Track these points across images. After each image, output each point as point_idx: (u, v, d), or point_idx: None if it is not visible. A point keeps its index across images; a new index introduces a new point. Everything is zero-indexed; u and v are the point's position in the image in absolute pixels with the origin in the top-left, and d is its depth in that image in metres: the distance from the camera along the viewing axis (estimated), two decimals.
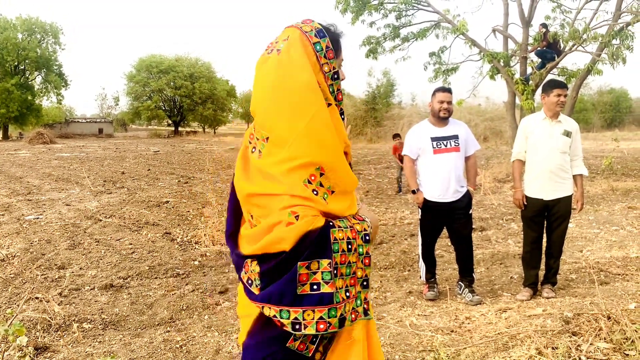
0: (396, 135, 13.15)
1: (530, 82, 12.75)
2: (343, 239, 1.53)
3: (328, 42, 1.59)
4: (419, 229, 4.91)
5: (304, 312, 1.46)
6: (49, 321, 4.06)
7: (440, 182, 4.64)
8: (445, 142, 4.68)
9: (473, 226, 7.08)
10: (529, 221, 4.74)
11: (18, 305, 4.32)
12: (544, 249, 4.82)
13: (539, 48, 12.51)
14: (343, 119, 1.66)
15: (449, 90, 4.75)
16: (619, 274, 5.21)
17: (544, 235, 4.78)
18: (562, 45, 12.39)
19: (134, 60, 52.77)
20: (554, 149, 4.59)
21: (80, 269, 5.65)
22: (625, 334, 3.24)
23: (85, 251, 6.36)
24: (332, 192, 1.55)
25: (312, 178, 1.51)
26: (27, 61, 45.72)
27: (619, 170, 14.65)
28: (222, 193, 9.53)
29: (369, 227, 1.63)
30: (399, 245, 6.77)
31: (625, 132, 38.44)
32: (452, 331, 3.81)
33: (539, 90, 12.56)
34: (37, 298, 4.61)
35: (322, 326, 1.47)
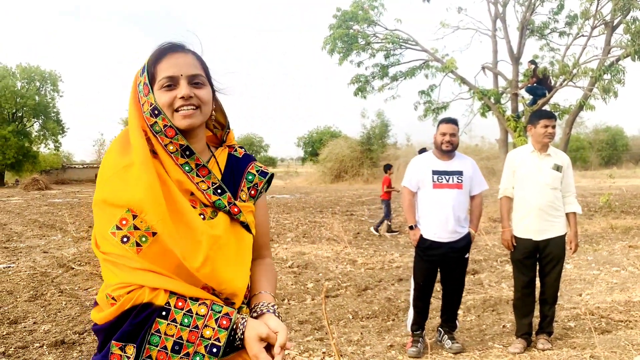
0: (388, 167, 12.31)
1: (522, 118, 12.52)
2: (172, 336, 1.25)
3: (145, 77, 1.37)
4: (412, 272, 4.47)
5: None
6: None
7: (438, 219, 4.23)
8: (447, 177, 4.28)
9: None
10: (518, 264, 4.32)
11: None
12: (538, 294, 4.39)
13: (529, 85, 12.34)
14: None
15: (454, 122, 4.38)
16: (622, 321, 4.76)
17: (537, 279, 4.36)
18: (552, 81, 12.22)
19: None
20: (543, 184, 4.22)
21: (35, 323, 5.18)
22: None
23: (45, 303, 5.89)
24: (154, 233, 1.27)
25: (123, 223, 1.28)
26: (25, 108, 45.96)
27: (617, 207, 14.25)
28: None
29: (237, 337, 1.28)
30: (385, 291, 6.30)
31: (623, 170, 38.17)
32: None
33: None
34: None
35: None
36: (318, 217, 13.89)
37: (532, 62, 12.64)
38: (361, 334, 4.83)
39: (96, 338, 4.29)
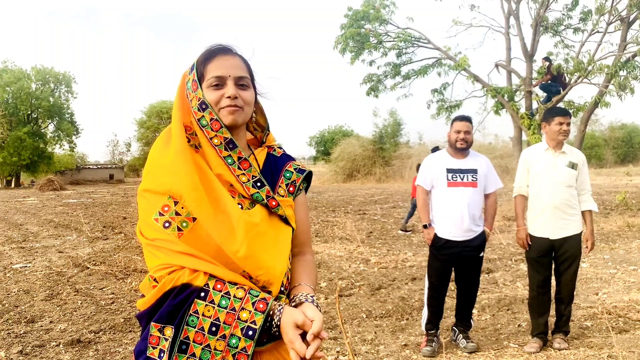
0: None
1: (536, 116, 12.40)
2: (209, 317, 1.27)
3: (194, 74, 1.45)
4: (426, 271, 4.45)
5: None
6: None
7: (452, 218, 4.20)
8: (461, 176, 4.25)
9: None
10: (534, 262, 4.28)
11: None
12: (553, 293, 4.34)
13: (543, 82, 12.22)
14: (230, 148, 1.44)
15: (467, 119, 4.34)
16: (639, 320, 4.69)
17: (552, 277, 4.31)
18: (567, 78, 12.09)
19: (144, 107, 53.32)
20: (558, 182, 4.17)
21: (51, 322, 5.24)
22: None
23: (61, 302, 5.95)
24: (194, 219, 1.32)
25: (165, 209, 1.34)
26: (39, 110, 46.52)
27: (634, 205, 14.06)
28: None
29: (273, 323, 1.29)
30: (399, 290, 6.28)
31: None
32: None
33: None
34: None
35: None
36: (331, 216, 13.89)
37: (547, 59, 12.52)
38: (375, 333, 4.82)
39: (112, 337, 4.31)
